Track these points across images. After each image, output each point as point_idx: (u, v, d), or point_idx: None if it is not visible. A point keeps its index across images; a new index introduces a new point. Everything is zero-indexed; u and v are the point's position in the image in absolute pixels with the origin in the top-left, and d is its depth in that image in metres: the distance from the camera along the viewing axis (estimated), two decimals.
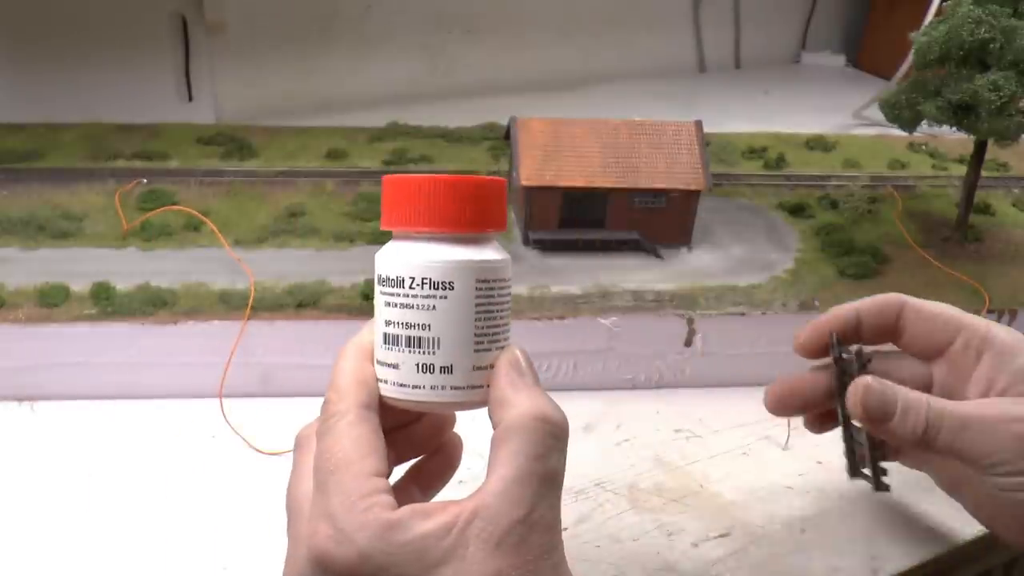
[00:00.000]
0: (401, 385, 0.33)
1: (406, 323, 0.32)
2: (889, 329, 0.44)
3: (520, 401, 0.32)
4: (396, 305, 0.33)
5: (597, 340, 0.58)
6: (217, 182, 0.70)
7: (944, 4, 0.61)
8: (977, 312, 0.60)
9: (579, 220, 0.64)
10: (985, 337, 0.42)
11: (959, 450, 0.38)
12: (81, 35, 0.88)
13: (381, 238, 0.63)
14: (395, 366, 0.33)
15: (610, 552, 0.46)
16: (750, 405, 0.59)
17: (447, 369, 0.32)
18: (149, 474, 0.50)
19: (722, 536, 0.46)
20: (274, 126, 0.82)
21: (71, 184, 0.68)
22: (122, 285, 0.57)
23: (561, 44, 1.17)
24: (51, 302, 0.55)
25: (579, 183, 0.62)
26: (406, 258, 0.33)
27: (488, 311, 0.33)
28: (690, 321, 0.58)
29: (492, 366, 0.33)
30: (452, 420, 0.39)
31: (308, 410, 0.34)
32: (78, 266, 0.59)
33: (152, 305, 0.55)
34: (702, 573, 0.45)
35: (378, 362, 0.34)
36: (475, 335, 0.33)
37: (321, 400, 0.34)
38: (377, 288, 0.34)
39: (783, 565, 0.46)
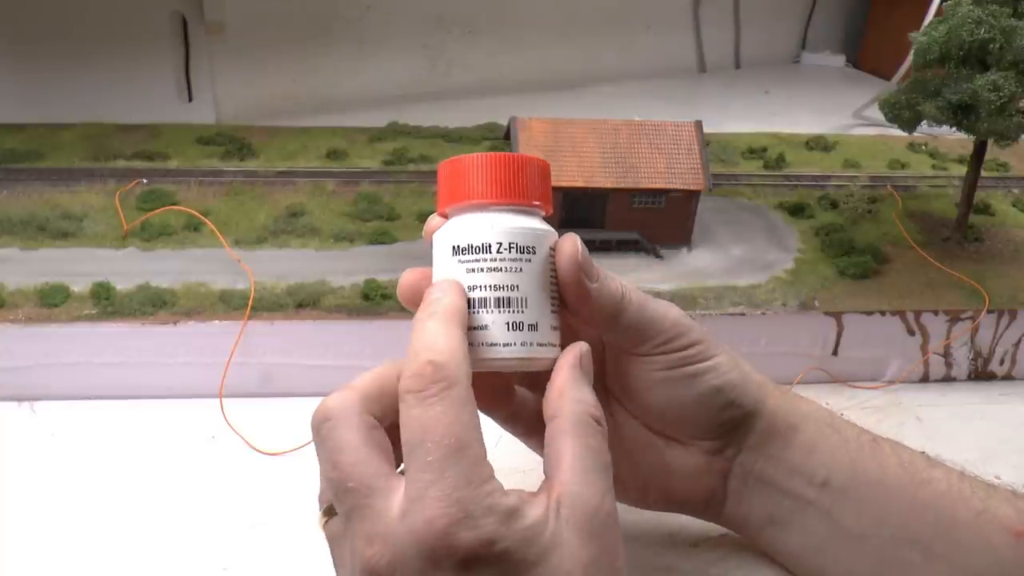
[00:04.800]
0: (492, 344, 0.35)
1: (495, 285, 0.35)
2: None
3: (581, 397, 0.34)
4: (483, 270, 0.35)
5: None
6: (217, 182, 0.70)
7: (944, 4, 0.61)
8: (978, 312, 0.60)
9: (579, 220, 0.64)
10: None
11: (644, 322, 0.38)
12: (81, 35, 0.88)
13: (381, 238, 0.64)
14: (484, 327, 0.35)
15: None
16: None
17: (534, 326, 0.35)
18: (149, 474, 0.50)
19: (722, 536, 0.46)
20: (274, 126, 0.82)
21: (71, 184, 0.68)
22: (122, 285, 0.57)
23: (561, 44, 1.17)
24: (51, 302, 0.55)
25: (579, 183, 0.62)
26: (491, 225, 0.35)
27: (553, 275, 0.36)
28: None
29: (559, 328, 0.36)
30: None
31: (309, 410, 0.34)
32: (78, 266, 0.59)
33: (152, 305, 0.55)
34: (702, 573, 0.45)
35: None
36: (551, 296, 0.36)
37: (321, 400, 0.34)
38: (452, 259, 0.35)
39: None
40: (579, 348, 0.35)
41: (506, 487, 0.33)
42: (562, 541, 0.30)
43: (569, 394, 0.34)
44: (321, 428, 0.33)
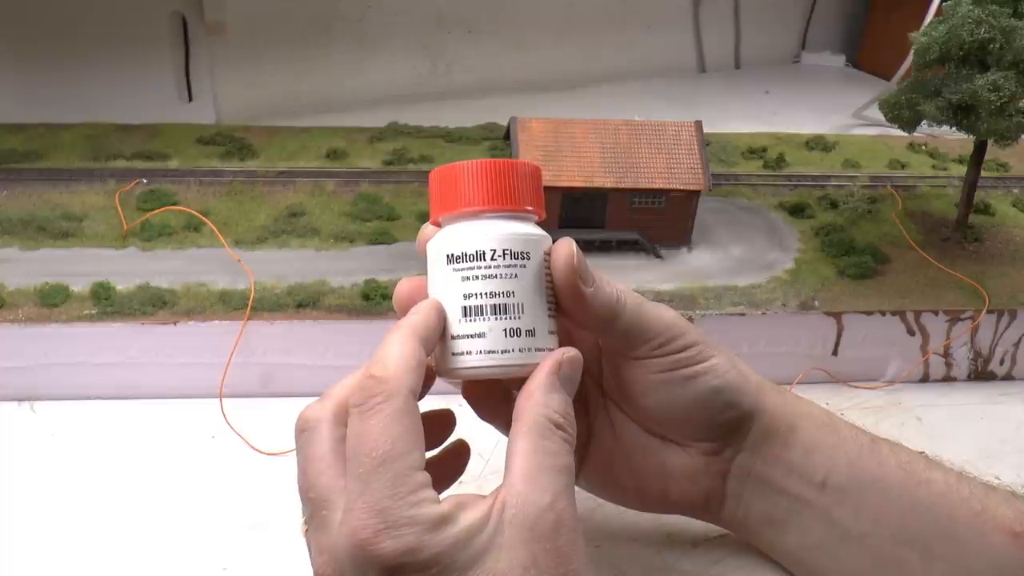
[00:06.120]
0: (490, 352, 0.35)
1: (490, 292, 0.35)
2: None
3: (546, 402, 0.34)
4: (478, 277, 0.35)
5: None
6: (217, 182, 0.70)
7: (944, 4, 0.61)
8: (978, 312, 0.60)
9: (579, 220, 0.64)
10: None
11: (640, 325, 0.38)
12: (81, 35, 0.88)
13: (381, 238, 0.64)
14: (481, 335, 0.35)
15: (610, 552, 0.46)
16: None
17: (531, 332, 0.35)
18: (149, 474, 0.50)
19: (722, 536, 0.46)
20: (274, 126, 0.82)
21: (71, 184, 0.68)
22: (122, 285, 0.57)
23: (561, 44, 1.17)
24: (51, 302, 0.55)
25: (579, 183, 0.62)
26: (484, 232, 0.35)
27: (548, 280, 0.36)
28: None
29: (556, 332, 0.36)
30: (454, 421, 0.40)
31: None
32: (78, 266, 0.59)
33: (152, 305, 0.55)
34: (702, 573, 0.45)
35: (455, 337, 0.35)
36: (547, 301, 0.36)
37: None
38: (446, 268, 0.35)
39: None
40: (560, 354, 0.35)
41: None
42: (501, 543, 0.31)
43: (535, 398, 0.34)
44: (299, 439, 0.34)
